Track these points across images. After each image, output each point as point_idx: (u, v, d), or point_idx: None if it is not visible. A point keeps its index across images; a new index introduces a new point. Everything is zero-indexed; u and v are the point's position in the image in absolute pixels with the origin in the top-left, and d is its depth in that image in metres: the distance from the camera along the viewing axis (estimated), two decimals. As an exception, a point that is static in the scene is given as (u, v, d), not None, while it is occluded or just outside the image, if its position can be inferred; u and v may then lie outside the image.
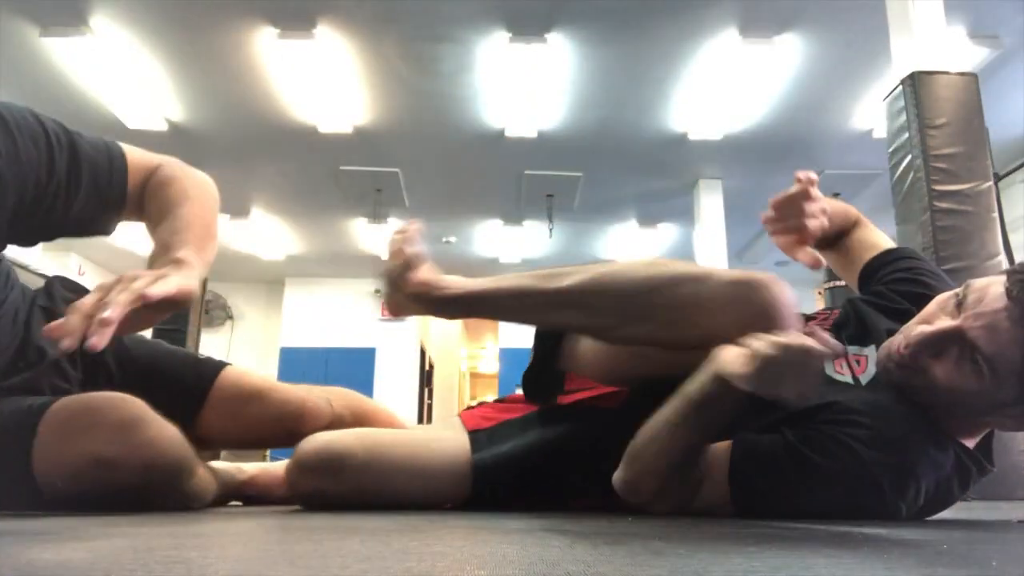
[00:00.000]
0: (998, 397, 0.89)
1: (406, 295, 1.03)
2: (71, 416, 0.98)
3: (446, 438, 1.14)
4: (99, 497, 0.95)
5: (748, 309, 0.85)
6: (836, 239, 1.26)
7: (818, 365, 0.80)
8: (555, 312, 0.98)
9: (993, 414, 0.94)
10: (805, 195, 1.14)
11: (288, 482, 1.09)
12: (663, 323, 0.90)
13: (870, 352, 1.04)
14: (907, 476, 0.92)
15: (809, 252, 1.18)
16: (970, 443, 0.99)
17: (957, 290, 0.94)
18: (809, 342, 0.78)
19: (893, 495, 0.91)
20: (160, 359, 1.27)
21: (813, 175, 1.14)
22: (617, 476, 0.97)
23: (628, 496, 0.97)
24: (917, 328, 0.93)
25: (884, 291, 1.13)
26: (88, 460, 0.94)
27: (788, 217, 1.15)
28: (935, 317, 0.93)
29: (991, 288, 0.88)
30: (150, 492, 0.99)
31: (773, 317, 0.84)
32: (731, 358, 0.82)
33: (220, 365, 1.30)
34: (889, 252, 1.20)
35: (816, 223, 1.16)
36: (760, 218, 1.20)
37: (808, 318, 1.16)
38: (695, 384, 0.88)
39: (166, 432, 1.00)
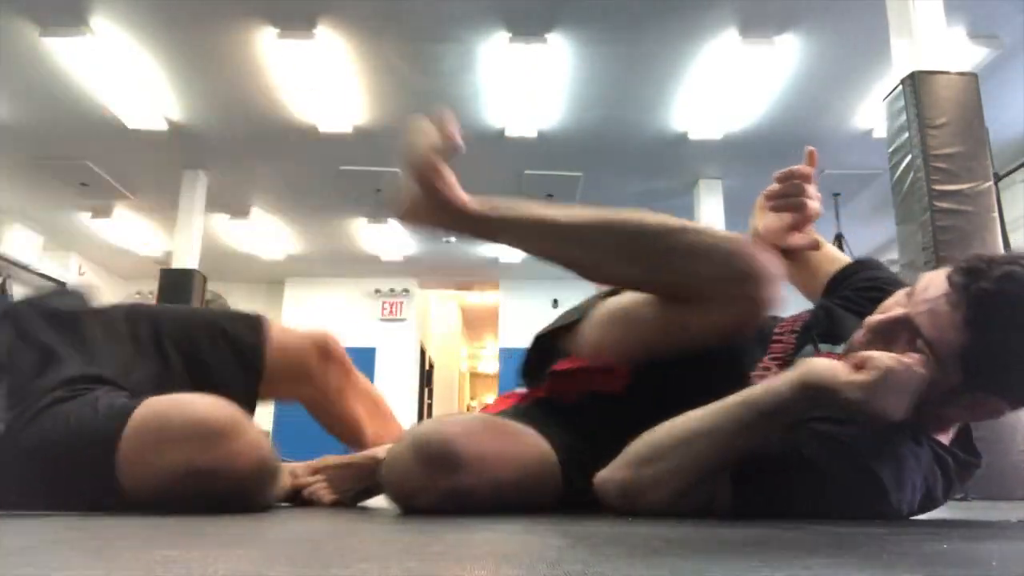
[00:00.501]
0: (944, 384, 0.90)
1: (430, 195, 0.99)
2: (162, 423, 0.94)
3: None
4: (185, 503, 0.92)
5: (731, 263, 0.93)
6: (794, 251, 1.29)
7: (921, 386, 0.83)
8: (562, 243, 1.04)
9: (947, 404, 0.94)
10: (809, 175, 1.16)
11: (397, 480, 0.96)
12: (649, 267, 0.99)
13: (842, 350, 1.05)
14: (901, 470, 0.92)
15: (805, 235, 1.19)
16: (944, 439, 1.00)
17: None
18: (919, 366, 0.82)
19: (893, 491, 0.92)
20: (206, 342, 1.26)
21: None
22: (619, 477, 0.95)
23: (626, 499, 0.94)
24: (871, 318, 0.96)
25: (852, 296, 1.15)
26: (184, 470, 0.91)
27: (790, 194, 1.17)
28: (890, 308, 0.95)
29: (936, 278, 0.92)
30: (241, 498, 0.96)
31: (755, 274, 0.93)
32: (830, 369, 0.83)
33: (259, 324, 1.29)
34: (857, 263, 1.24)
35: (816, 204, 1.18)
36: (761, 194, 1.22)
37: (779, 320, 1.16)
38: (764, 392, 0.87)
39: (258, 437, 0.97)
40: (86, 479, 0.94)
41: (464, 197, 1.01)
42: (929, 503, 1.02)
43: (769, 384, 0.88)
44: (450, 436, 0.93)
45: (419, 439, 0.95)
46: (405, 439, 0.97)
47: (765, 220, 1.22)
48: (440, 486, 0.92)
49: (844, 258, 1.26)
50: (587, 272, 1.08)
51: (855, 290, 1.16)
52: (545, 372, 1.15)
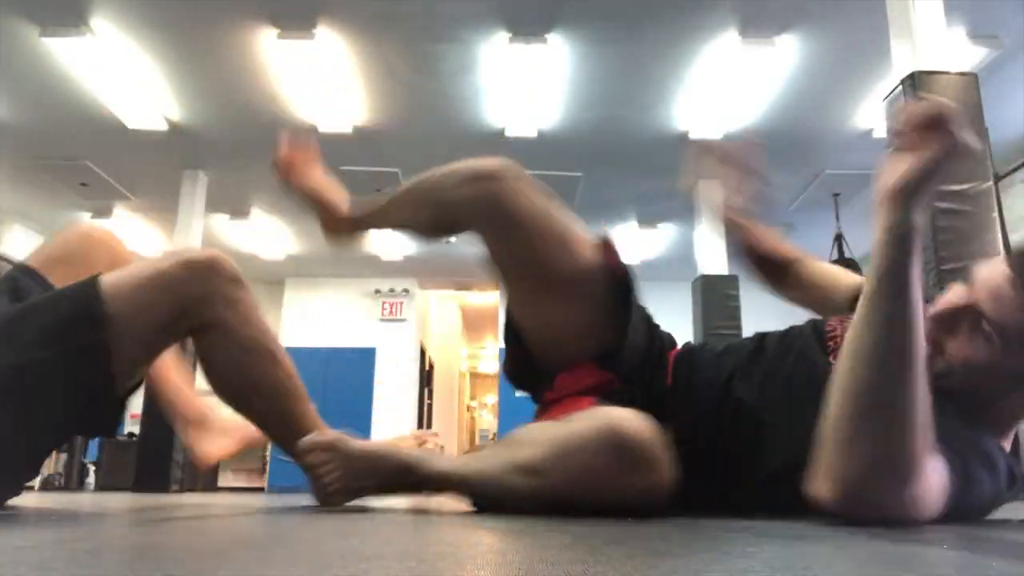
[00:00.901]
0: (1010, 368, 0.91)
1: (301, 193, 1.47)
2: (131, 272, 1.13)
3: None
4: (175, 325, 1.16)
5: (464, 170, 1.18)
6: (779, 268, 1.35)
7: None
8: (393, 216, 1.40)
9: (1010, 392, 0.95)
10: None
11: None
12: (422, 207, 1.29)
13: None
14: (982, 483, 0.92)
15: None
16: (1006, 445, 0.99)
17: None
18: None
19: (977, 503, 0.91)
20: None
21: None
22: (834, 474, 0.80)
23: (859, 494, 0.79)
24: (932, 308, 0.97)
25: None
26: (161, 277, 1.12)
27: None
28: (947, 302, 0.97)
29: (993, 264, 0.94)
30: (210, 295, 1.18)
31: (485, 167, 1.17)
32: (885, 180, 0.79)
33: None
34: None
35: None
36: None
37: (826, 321, 1.16)
38: (872, 269, 0.80)
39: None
40: (73, 342, 1.04)
41: (335, 204, 1.53)
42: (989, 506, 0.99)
43: (869, 268, 0.82)
44: (647, 432, 0.91)
45: (620, 436, 0.90)
46: (594, 434, 0.92)
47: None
48: (637, 485, 0.90)
49: (846, 273, 1.31)
50: (411, 226, 1.37)
51: None
52: (533, 382, 1.27)
